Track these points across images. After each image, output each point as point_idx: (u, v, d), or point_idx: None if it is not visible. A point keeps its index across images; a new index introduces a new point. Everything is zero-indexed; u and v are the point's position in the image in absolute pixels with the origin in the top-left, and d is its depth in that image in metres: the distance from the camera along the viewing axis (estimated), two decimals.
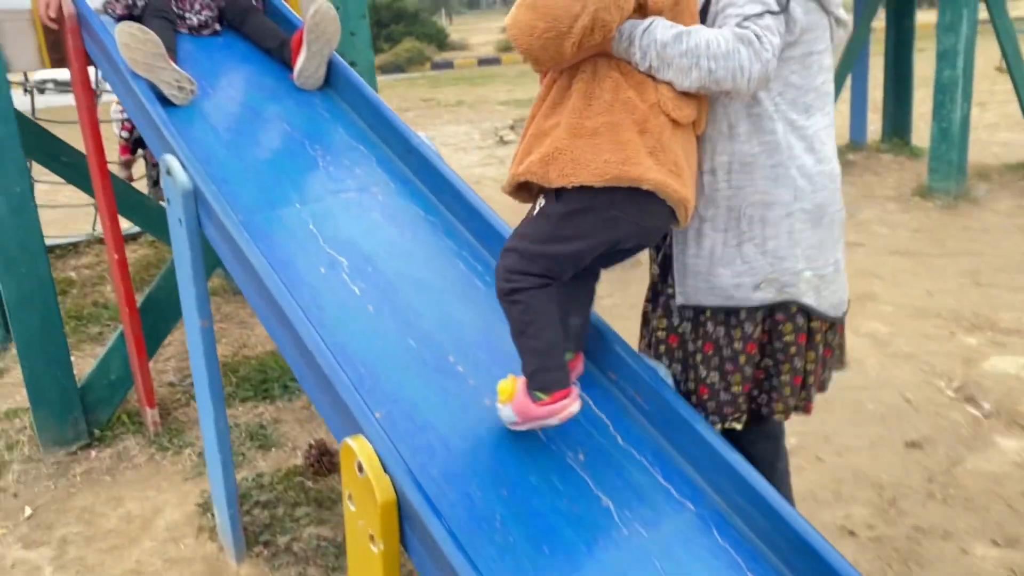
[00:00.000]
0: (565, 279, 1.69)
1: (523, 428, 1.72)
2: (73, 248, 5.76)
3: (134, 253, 5.67)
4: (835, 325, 1.84)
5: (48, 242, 5.83)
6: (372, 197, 2.37)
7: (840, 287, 1.81)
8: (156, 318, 3.31)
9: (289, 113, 2.61)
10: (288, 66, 2.73)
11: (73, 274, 5.28)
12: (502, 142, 10.38)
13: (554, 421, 1.67)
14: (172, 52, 2.59)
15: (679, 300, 1.79)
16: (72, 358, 3.94)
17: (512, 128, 11.06)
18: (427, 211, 2.34)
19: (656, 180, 1.55)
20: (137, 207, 4.42)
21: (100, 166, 2.91)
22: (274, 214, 2.25)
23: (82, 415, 3.14)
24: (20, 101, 3.71)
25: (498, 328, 2.00)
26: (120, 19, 2.84)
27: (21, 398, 3.40)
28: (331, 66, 2.71)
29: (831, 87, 1.75)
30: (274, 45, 2.77)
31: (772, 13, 1.55)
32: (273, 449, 3.05)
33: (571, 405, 1.67)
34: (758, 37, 1.52)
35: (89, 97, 2.84)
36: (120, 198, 4.34)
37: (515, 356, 1.71)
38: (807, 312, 1.75)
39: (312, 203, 2.31)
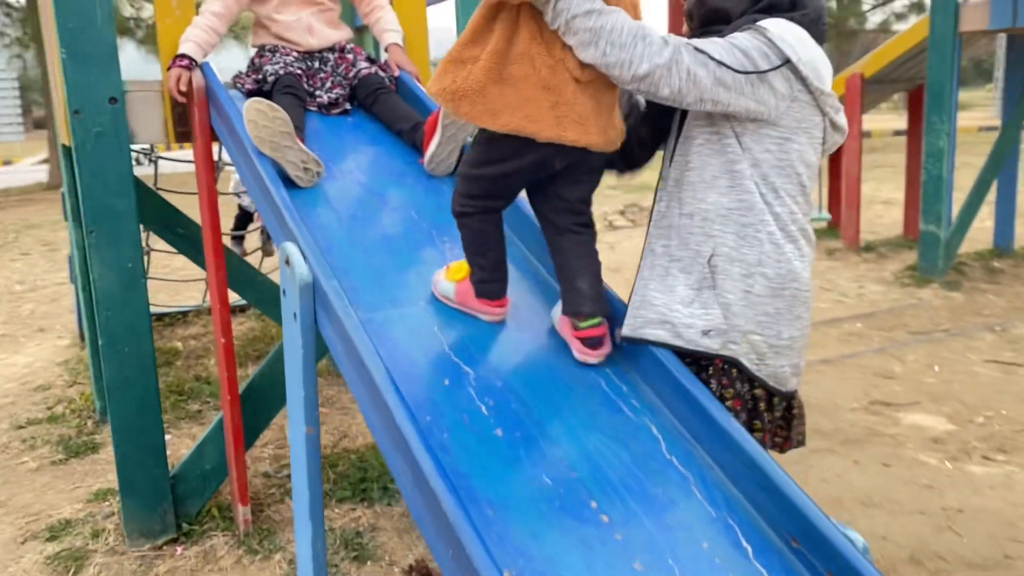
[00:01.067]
0: (507, 201, 1.96)
1: (453, 307, 2.01)
2: (182, 317, 5.74)
3: (241, 325, 5.60)
4: (780, 400, 1.85)
5: (157, 310, 5.90)
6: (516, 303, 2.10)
7: (790, 364, 1.82)
8: (257, 407, 3.11)
9: (418, 200, 2.40)
10: (419, 150, 2.54)
11: (179, 344, 5.22)
12: (611, 227, 10.14)
13: (484, 317, 1.99)
14: (300, 131, 2.43)
15: (624, 331, 1.87)
16: (168, 437, 3.82)
17: (622, 213, 10.82)
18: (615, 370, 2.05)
19: (552, 135, 1.71)
20: (249, 282, 4.29)
21: (215, 244, 2.76)
22: (396, 313, 2.01)
23: (171, 507, 2.94)
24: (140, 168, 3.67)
25: (650, 466, 1.69)
26: (249, 94, 2.73)
27: (114, 477, 3.24)
28: (463, 153, 2.50)
29: (809, 183, 1.80)
30: (406, 127, 2.59)
31: (743, 73, 1.66)
32: (369, 562, 2.76)
33: (503, 314, 2.00)
34: (668, 46, 1.64)
35: (210, 174, 2.71)
36: (232, 271, 4.28)
37: (669, 504, 1.48)
38: (750, 379, 1.80)
39: (439, 303, 2.06)
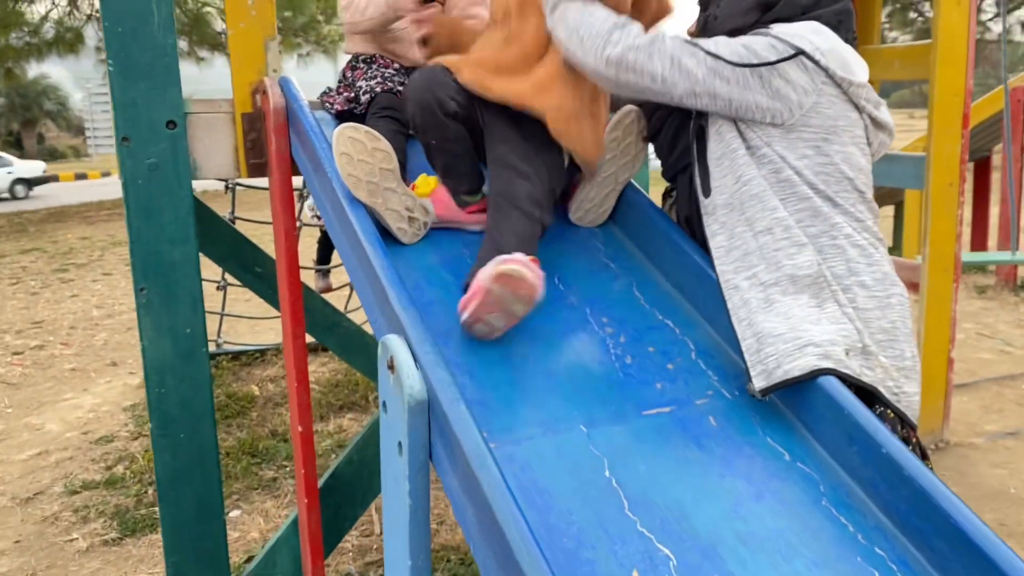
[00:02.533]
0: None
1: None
2: (260, 356, 5.24)
3: (324, 367, 5.06)
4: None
5: (233, 348, 5.41)
6: (702, 419, 1.44)
7: (919, 391, 1.55)
8: (341, 502, 2.51)
9: (564, 264, 1.76)
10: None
11: (256, 388, 4.70)
12: None
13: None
14: (403, 167, 1.82)
15: (758, 383, 1.44)
16: (236, 512, 3.27)
17: None
18: (804, 460, 1.38)
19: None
20: (331, 328, 3.73)
21: (293, 307, 2.17)
22: (545, 443, 1.36)
23: None
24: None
25: None
26: (339, 117, 2.15)
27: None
28: (624, 197, 1.87)
29: (865, 188, 1.60)
30: None
31: (743, 66, 1.55)
32: None
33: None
34: (648, 35, 1.58)
35: (290, 216, 2.12)
36: (311, 315, 3.72)
37: None
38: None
39: (605, 426, 1.41)
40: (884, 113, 1.65)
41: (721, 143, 1.63)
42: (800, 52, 1.55)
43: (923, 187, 3.66)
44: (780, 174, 1.56)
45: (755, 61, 1.55)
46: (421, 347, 1.32)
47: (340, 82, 2.29)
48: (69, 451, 3.96)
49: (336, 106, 2.18)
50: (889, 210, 8.16)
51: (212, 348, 5.28)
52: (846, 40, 1.65)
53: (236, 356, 5.21)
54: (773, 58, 1.55)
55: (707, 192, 1.64)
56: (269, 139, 2.06)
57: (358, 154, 1.63)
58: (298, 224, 4.55)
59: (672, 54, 1.56)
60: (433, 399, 1.26)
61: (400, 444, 1.30)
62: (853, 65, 1.59)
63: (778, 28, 1.62)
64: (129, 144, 2.05)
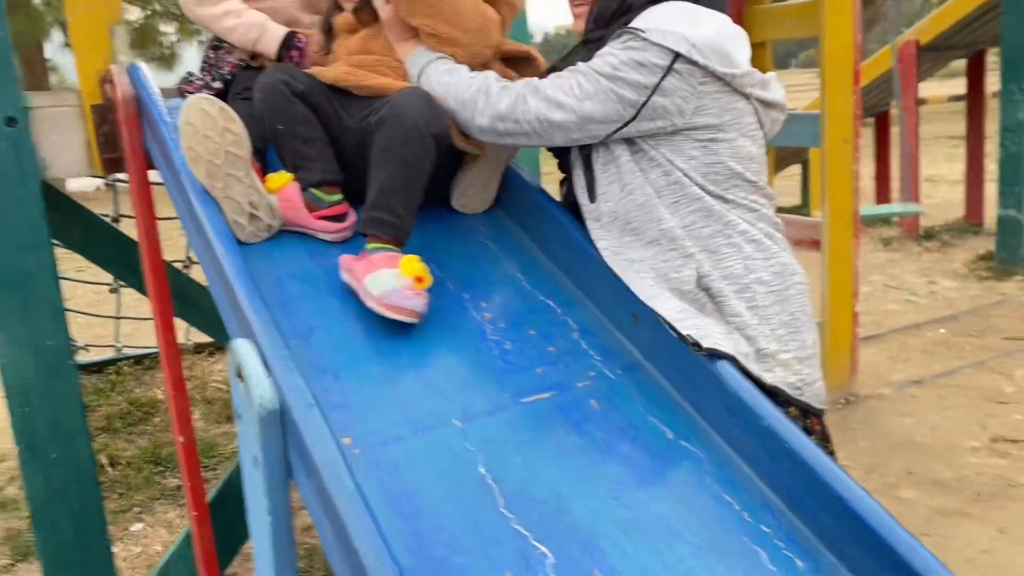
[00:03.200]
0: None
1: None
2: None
3: (224, 371, 4.88)
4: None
5: (134, 352, 5.18)
6: (583, 403, 1.37)
7: (821, 375, 1.54)
8: (237, 509, 2.38)
9: (442, 253, 1.66)
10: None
11: (160, 393, 4.49)
12: None
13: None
14: (258, 157, 1.69)
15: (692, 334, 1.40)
16: (140, 526, 3.12)
17: None
18: (688, 437, 1.32)
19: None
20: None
21: (159, 293, 2.02)
22: (416, 443, 1.28)
23: None
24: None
25: None
26: None
27: None
28: (506, 178, 1.78)
29: (757, 176, 1.54)
30: None
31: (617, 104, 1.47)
32: None
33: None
34: (508, 91, 1.54)
35: (151, 214, 1.97)
36: (203, 315, 3.56)
37: None
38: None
39: (481, 419, 1.33)
40: (773, 91, 1.57)
41: (606, 149, 1.55)
42: (677, 57, 1.44)
43: (820, 145, 3.68)
44: (669, 176, 1.51)
45: (629, 97, 1.45)
46: (273, 351, 1.22)
47: (203, 65, 2.13)
48: None
49: (193, 90, 2.03)
50: (797, 169, 8.29)
51: (112, 354, 5.04)
52: (720, 8, 1.56)
53: (139, 360, 4.97)
54: (649, 82, 1.44)
55: (592, 198, 1.57)
56: (121, 131, 1.90)
57: (205, 128, 1.49)
58: None
59: (537, 114, 1.51)
60: (285, 407, 1.16)
61: (255, 458, 1.20)
62: (734, 55, 1.50)
63: (647, 23, 1.48)
64: None
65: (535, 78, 1.56)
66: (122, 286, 4.78)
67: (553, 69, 1.67)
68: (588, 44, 1.62)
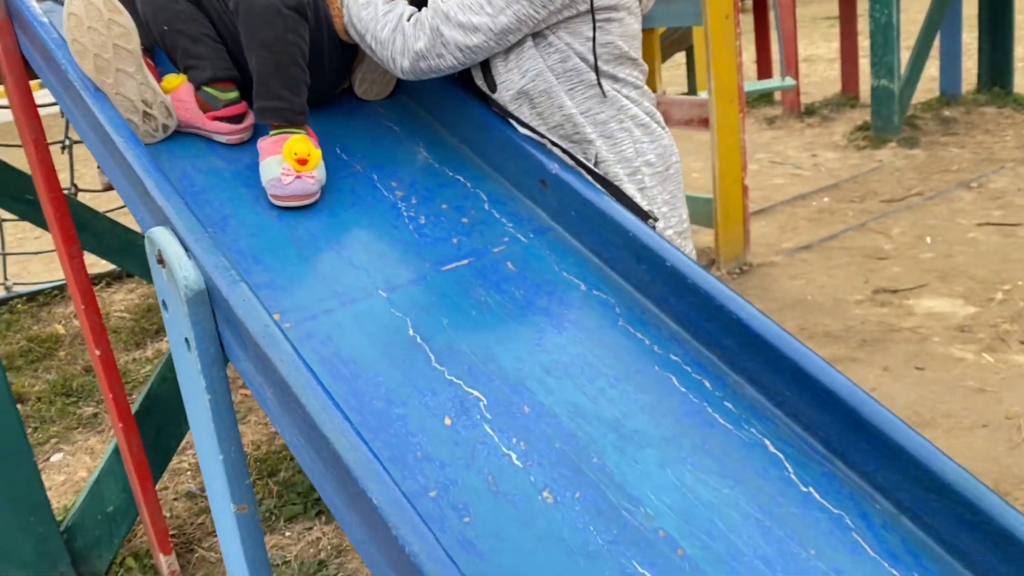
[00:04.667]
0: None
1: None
2: (59, 293, 4.84)
3: (132, 293, 4.76)
4: None
5: (27, 289, 4.98)
6: (500, 266, 1.44)
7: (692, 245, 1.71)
8: (163, 422, 2.40)
9: (346, 138, 1.67)
10: None
11: (61, 327, 4.36)
12: None
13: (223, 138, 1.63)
14: (150, 53, 1.65)
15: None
16: (59, 456, 3.08)
17: None
18: (599, 287, 1.41)
19: None
20: (127, 248, 3.50)
21: (59, 218, 1.98)
22: (344, 314, 1.32)
23: (71, 568, 2.25)
24: None
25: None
26: None
27: None
28: None
29: (637, 53, 1.61)
30: None
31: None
32: None
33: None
34: (420, 27, 1.50)
35: (35, 120, 1.90)
36: (104, 237, 3.47)
37: None
38: None
39: (405, 288, 1.38)
40: None
41: None
42: None
43: (702, 23, 3.76)
44: (567, 63, 1.53)
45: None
46: (191, 235, 1.23)
47: None
48: None
49: None
50: (681, 57, 8.41)
51: (1, 293, 4.83)
52: None
53: (32, 297, 4.79)
54: None
55: (492, 87, 1.58)
56: None
57: (91, 20, 1.45)
58: (67, 141, 4.15)
59: (456, 44, 1.48)
60: (212, 287, 1.18)
61: (187, 340, 1.22)
62: None
63: None
64: None
65: (438, 2, 1.50)
66: (5, 220, 4.57)
67: None
68: None
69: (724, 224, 4.03)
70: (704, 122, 3.95)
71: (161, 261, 1.21)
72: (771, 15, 6.99)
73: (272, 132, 1.52)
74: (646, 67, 1.65)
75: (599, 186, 1.48)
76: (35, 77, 1.87)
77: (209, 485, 1.34)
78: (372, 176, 1.61)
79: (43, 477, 2.93)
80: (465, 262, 1.45)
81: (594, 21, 1.51)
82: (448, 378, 1.23)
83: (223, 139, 1.62)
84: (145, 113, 1.52)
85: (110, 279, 4.94)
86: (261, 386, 1.15)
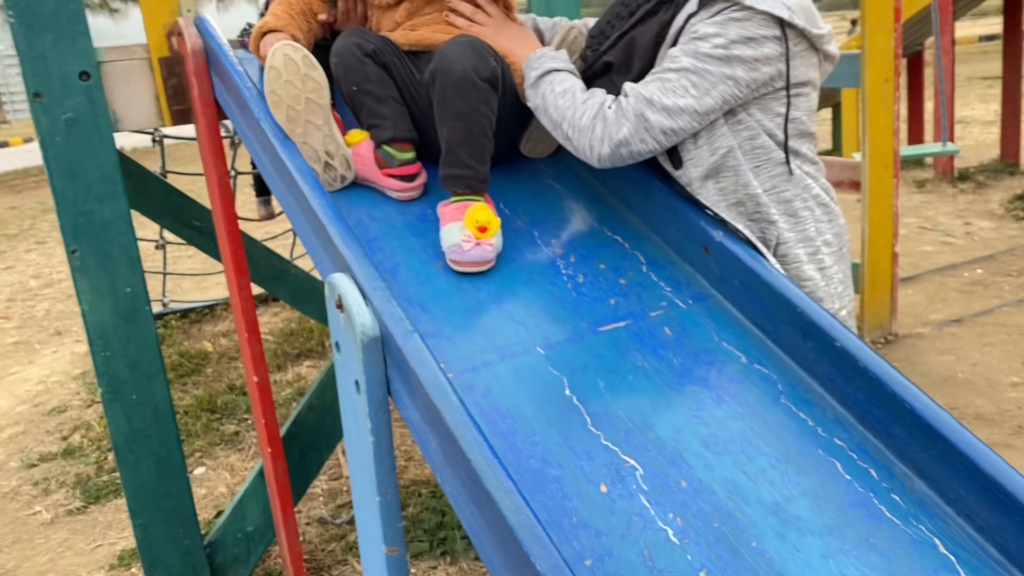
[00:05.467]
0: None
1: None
2: (210, 312, 5.14)
3: (276, 316, 4.99)
4: None
5: (181, 306, 5.30)
6: (657, 330, 1.44)
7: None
8: (306, 447, 2.50)
9: (509, 193, 1.72)
10: None
11: (209, 344, 4.62)
12: None
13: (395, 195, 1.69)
14: (335, 107, 1.75)
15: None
16: (201, 470, 3.24)
17: None
18: (761, 360, 1.38)
19: None
20: (278, 276, 3.67)
21: (235, 259, 2.11)
22: (504, 368, 1.35)
23: None
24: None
25: None
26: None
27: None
28: None
29: (813, 127, 1.59)
30: None
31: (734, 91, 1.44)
32: None
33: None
34: (623, 113, 1.46)
35: (220, 160, 2.04)
36: (257, 265, 3.65)
37: None
38: None
39: (563, 346, 1.40)
40: (834, 46, 1.55)
41: None
42: (780, 24, 1.42)
43: (859, 85, 3.67)
44: (755, 141, 1.50)
45: (743, 78, 1.42)
46: (369, 283, 1.29)
47: (262, 16, 2.18)
48: (21, 425, 3.87)
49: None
50: (827, 113, 8.21)
51: (158, 308, 5.16)
52: None
53: (185, 314, 5.10)
54: (759, 55, 1.42)
55: (678, 164, 1.55)
56: (190, 83, 1.96)
57: (288, 74, 1.55)
58: (232, 172, 4.42)
59: (662, 129, 1.44)
60: (386, 334, 1.23)
61: (357, 383, 1.28)
62: (816, 15, 1.49)
63: None
64: (42, 100, 1.95)
65: (638, 87, 1.46)
66: (168, 242, 4.89)
67: (601, 35, 1.65)
68: (647, 5, 1.57)
69: (870, 291, 3.88)
70: (855, 185, 3.84)
71: (340, 306, 1.27)
72: (928, 75, 6.75)
73: (454, 199, 1.57)
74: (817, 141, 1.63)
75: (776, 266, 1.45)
76: (224, 118, 2.01)
77: (361, 523, 1.38)
78: (533, 232, 1.64)
79: None
80: (622, 324, 1.45)
81: (788, 98, 1.49)
82: (604, 443, 1.23)
83: (395, 195, 1.68)
84: (327, 164, 1.60)
85: (257, 301, 5.19)
86: (426, 435, 1.18)
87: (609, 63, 1.60)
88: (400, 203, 1.66)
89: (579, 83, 1.57)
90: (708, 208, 1.51)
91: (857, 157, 3.91)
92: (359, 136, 1.67)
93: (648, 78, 1.48)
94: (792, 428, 1.27)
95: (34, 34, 1.92)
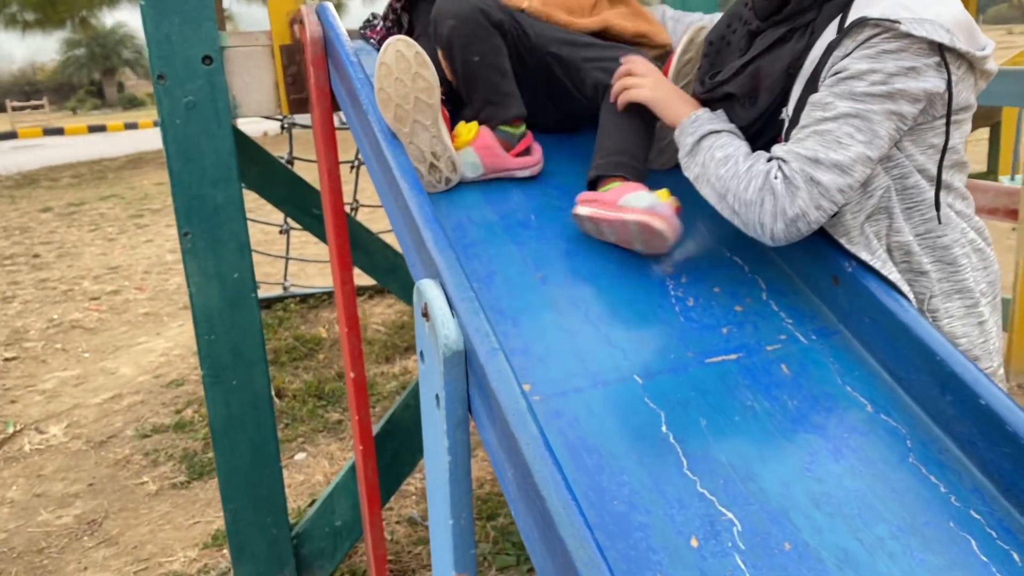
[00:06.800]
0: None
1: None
2: (328, 298, 5.23)
3: (390, 308, 5.03)
4: None
5: (300, 291, 5.42)
6: (773, 367, 1.30)
7: None
8: (399, 447, 2.46)
9: None
10: None
11: (323, 331, 4.69)
12: None
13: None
14: (447, 105, 1.68)
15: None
16: (302, 455, 3.27)
17: None
18: (889, 411, 1.22)
19: None
20: (392, 270, 3.67)
21: (340, 253, 2.08)
22: (595, 396, 1.24)
23: (295, 573, 2.35)
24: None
25: None
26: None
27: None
28: None
29: (966, 157, 1.39)
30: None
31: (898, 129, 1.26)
32: None
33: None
34: (791, 182, 1.26)
35: (333, 154, 2.01)
36: (374, 256, 3.66)
37: None
38: None
39: (663, 376, 1.28)
40: (993, 63, 1.34)
41: None
42: (940, 50, 1.23)
43: (1022, 103, 3.34)
44: (906, 180, 1.33)
45: (908, 109, 1.25)
46: (458, 292, 1.20)
47: (388, 9, 2.14)
48: (141, 395, 4.03)
49: (380, 36, 2.04)
50: (983, 132, 7.65)
51: (279, 291, 5.29)
52: None
53: (304, 299, 5.21)
54: (922, 87, 1.23)
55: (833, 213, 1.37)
56: (308, 72, 1.94)
57: (399, 71, 1.49)
58: (355, 163, 4.46)
59: (839, 188, 1.25)
60: (470, 349, 1.15)
61: (437, 397, 1.20)
62: (977, 31, 1.29)
63: (879, 4, 1.25)
64: (165, 82, 1.97)
65: (796, 149, 1.28)
66: (292, 228, 5.00)
67: (722, 42, 1.50)
68: (775, 30, 1.40)
69: (1021, 330, 3.54)
70: (1012, 213, 3.51)
71: (426, 314, 1.20)
72: None
73: (612, 184, 1.52)
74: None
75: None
76: (339, 109, 1.98)
77: (434, 544, 1.30)
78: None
79: (284, 474, 3.12)
80: (733, 357, 1.32)
81: (948, 126, 1.29)
82: (700, 490, 1.10)
83: (525, 173, 1.66)
84: (432, 165, 1.54)
85: (372, 291, 5.25)
86: (503, 462, 1.09)
87: (731, 94, 1.44)
88: (500, 207, 1.58)
89: (742, 146, 1.37)
90: (855, 256, 1.33)
91: (1010, 182, 3.57)
92: (471, 131, 1.61)
93: (800, 134, 1.29)
94: (920, 494, 1.11)
95: (162, 17, 1.94)
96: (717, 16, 1.63)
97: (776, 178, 1.27)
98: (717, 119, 1.43)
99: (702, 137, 1.40)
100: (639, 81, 1.53)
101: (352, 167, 4.78)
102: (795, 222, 1.27)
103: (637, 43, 1.79)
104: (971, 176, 1.49)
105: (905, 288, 1.29)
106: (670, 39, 1.84)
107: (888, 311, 1.26)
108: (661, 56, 1.82)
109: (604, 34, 1.78)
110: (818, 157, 1.24)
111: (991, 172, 7.06)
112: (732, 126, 1.42)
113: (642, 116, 1.54)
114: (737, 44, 1.45)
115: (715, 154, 1.36)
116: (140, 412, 3.82)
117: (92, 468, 3.31)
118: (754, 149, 1.45)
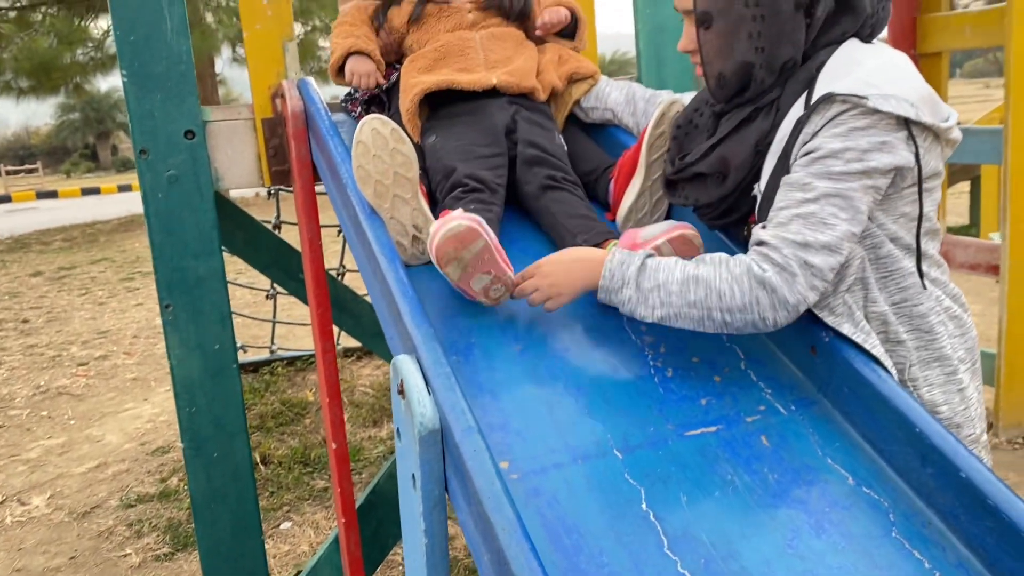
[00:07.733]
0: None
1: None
2: (315, 360, 5.19)
3: (378, 370, 5.00)
4: None
5: (287, 354, 5.39)
6: (753, 439, 1.29)
7: None
8: (383, 517, 2.42)
9: None
10: (604, 205, 1.77)
11: (310, 394, 4.66)
12: None
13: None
14: (424, 179, 1.69)
15: None
16: (288, 524, 3.21)
17: None
18: (870, 483, 1.21)
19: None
20: (380, 334, 3.65)
21: (319, 303, 2.07)
22: (575, 472, 1.23)
23: None
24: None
25: None
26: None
27: None
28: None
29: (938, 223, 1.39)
30: (586, 169, 1.83)
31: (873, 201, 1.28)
32: None
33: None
34: (786, 270, 1.25)
35: (315, 225, 2.02)
36: (362, 321, 3.65)
37: None
38: None
39: (643, 450, 1.26)
40: (957, 131, 1.36)
41: None
42: (906, 124, 1.26)
43: (1001, 162, 3.39)
44: (879, 250, 1.33)
45: (882, 182, 1.26)
46: (435, 368, 1.20)
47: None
48: (126, 463, 3.97)
49: (358, 110, 2.06)
50: (964, 186, 7.74)
51: (266, 355, 5.27)
52: (883, 26, 1.37)
53: (291, 362, 5.18)
54: (890, 166, 1.25)
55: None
56: (289, 144, 1.96)
57: (376, 148, 1.50)
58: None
59: (831, 267, 1.25)
60: (446, 427, 1.14)
61: (413, 477, 1.18)
62: (939, 103, 1.32)
63: (845, 81, 1.26)
64: (147, 157, 1.99)
65: (781, 234, 1.26)
66: (278, 292, 4.99)
67: (690, 124, 1.50)
68: (740, 111, 1.39)
69: (1008, 385, 3.54)
70: (993, 269, 3.53)
71: (402, 392, 1.19)
72: None
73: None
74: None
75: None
76: (319, 180, 1.99)
77: None
78: (621, 319, 1.52)
79: (269, 545, 3.07)
80: (712, 429, 1.31)
81: (921, 194, 1.30)
82: (680, 571, 1.08)
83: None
84: (415, 237, 1.54)
85: (360, 353, 5.23)
86: (479, 546, 1.07)
87: (701, 173, 1.44)
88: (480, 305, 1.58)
89: (687, 265, 1.31)
90: (834, 328, 1.31)
91: (994, 238, 3.60)
92: None
93: (779, 217, 1.27)
94: (904, 570, 1.10)
95: (144, 92, 1.96)
96: (689, 95, 1.65)
97: (765, 271, 1.25)
98: (629, 260, 1.36)
99: (639, 273, 1.34)
100: (544, 291, 1.42)
101: (340, 231, 4.80)
102: (796, 307, 1.26)
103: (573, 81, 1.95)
104: (953, 230, 1.50)
105: (887, 362, 1.29)
106: (596, 68, 1.98)
107: (867, 381, 1.26)
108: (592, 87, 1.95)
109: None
110: (807, 240, 1.24)
111: (973, 225, 7.13)
112: (651, 252, 1.38)
113: (577, 196, 1.71)
114: (704, 126, 1.47)
115: (671, 288, 1.30)
116: (125, 481, 3.76)
117: (74, 540, 3.25)
118: (727, 226, 1.45)
